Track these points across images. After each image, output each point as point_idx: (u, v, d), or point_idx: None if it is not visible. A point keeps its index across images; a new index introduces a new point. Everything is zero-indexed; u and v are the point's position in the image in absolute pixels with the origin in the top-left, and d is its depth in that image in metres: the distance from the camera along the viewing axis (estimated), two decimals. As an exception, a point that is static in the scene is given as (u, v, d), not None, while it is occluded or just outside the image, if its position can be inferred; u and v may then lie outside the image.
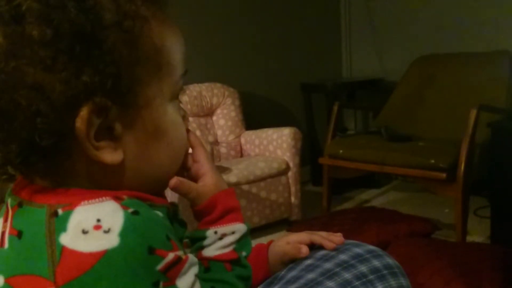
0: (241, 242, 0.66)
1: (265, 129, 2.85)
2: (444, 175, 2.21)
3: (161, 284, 0.49)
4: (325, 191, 2.79)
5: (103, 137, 0.51)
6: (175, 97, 0.58)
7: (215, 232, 0.64)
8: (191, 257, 0.54)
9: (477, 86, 2.75)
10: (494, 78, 2.73)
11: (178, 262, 0.51)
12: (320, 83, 3.53)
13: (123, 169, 0.53)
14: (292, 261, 0.73)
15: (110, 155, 0.51)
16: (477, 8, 3.12)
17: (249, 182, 2.54)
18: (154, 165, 0.56)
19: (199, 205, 0.65)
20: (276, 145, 2.73)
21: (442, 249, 1.94)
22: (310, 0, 3.67)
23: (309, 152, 3.45)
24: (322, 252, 0.72)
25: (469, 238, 2.32)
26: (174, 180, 0.62)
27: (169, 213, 0.57)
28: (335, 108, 2.81)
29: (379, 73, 3.69)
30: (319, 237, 0.74)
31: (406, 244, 2.03)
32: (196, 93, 2.89)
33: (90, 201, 0.49)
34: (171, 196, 0.62)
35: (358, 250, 0.71)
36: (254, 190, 2.56)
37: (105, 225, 0.47)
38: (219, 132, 2.95)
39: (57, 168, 0.51)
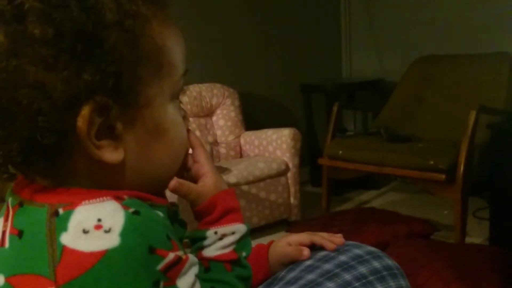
0: (241, 242, 0.66)
1: (265, 130, 2.86)
2: (443, 176, 2.21)
3: (161, 284, 0.49)
4: (324, 192, 2.80)
5: (104, 136, 0.51)
6: (175, 97, 0.58)
7: (215, 233, 0.64)
8: (192, 257, 0.54)
9: (477, 87, 2.76)
10: (494, 79, 2.73)
11: (178, 262, 0.51)
12: (320, 84, 3.54)
13: (124, 169, 0.53)
14: (292, 262, 0.73)
15: (111, 154, 0.51)
16: (477, 9, 3.12)
17: (248, 183, 2.54)
18: (155, 164, 0.56)
19: (199, 205, 0.65)
20: (276, 145, 2.73)
21: (441, 250, 1.94)
22: (310, 1, 3.67)
23: (308, 152, 3.45)
24: (322, 253, 0.72)
25: (468, 240, 2.32)
26: (173, 182, 0.62)
27: (169, 213, 0.57)
28: (335, 108, 2.81)
29: (378, 74, 3.69)
30: (320, 237, 0.74)
31: (405, 245, 2.03)
32: (196, 93, 2.89)
33: (91, 200, 0.49)
34: (170, 196, 0.62)
35: (358, 251, 0.71)
36: (253, 190, 2.56)
37: (106, 224, 0.47)
38: (218, 133, 2.95)
39: (58, 167, 0.51)
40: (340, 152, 2.63)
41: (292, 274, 0.71)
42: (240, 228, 0.66)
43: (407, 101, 3.01)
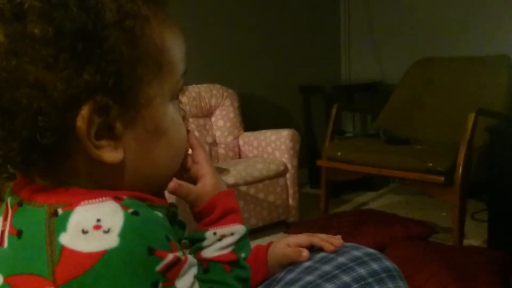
0: (240, 243, 0.66)
1: (264, 131, 2.85)
2: (442, 178, 2.21)
3: (160, 284, 0.48)
4: (323, 193, 2.80)
5: (104, 136, 0.51)
6: (175, 97, 0.58)
7: (214, 233, 0.64)
8: (190, 258, 0.54)
9: (476, 90, 2.76)
10: (492, 82, 2.73)
11: (177, 263, 0.50)
12: (319, 85, 3.54)
13: (123, 169, 0.53)
14: (291, 263, 0.73)
15: (110, 154, 0.51)
16: (476, 12, 3.13)
17: (247, 184, 2.54)
18: (154, 164, 0.56)
19: (198, 206, 0.65)
20: (275, 146, 2.73)
21: (440, 252, 1.94)
22: (309, 3, 3.68)
23: (307, 154, 3.45)
24: (321, 255, 0.72)
25: (466, 242, 2.32)
26: (173, 184, 0.62)
27: (168, 214, 0.56)
28: (334, 110, 2.81)
29: (377, 76, 3.69)
30: (319, 239, 0.74)
31: (403, 247, 2.03)
32: (195, 94, 2.89)
33: (90, 201, 0.49)
34: (169, 197, 0.62)
35: (357, 253, 0.71)
36: (252, 191, 2.56)
37: (105, 225, 0.47)
38: (217, 133, 2.95)
39: (58, 167, 0.51)
40: (339, 153, 2.63)
41: (291, 276, 0.71)
42: (239, 229, 0.65)
43: (406, 104, 3.01)
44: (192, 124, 2.84)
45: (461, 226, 2.24)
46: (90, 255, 0.46)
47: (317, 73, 3.73)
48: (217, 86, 2.98)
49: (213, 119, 2.97)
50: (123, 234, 0.47)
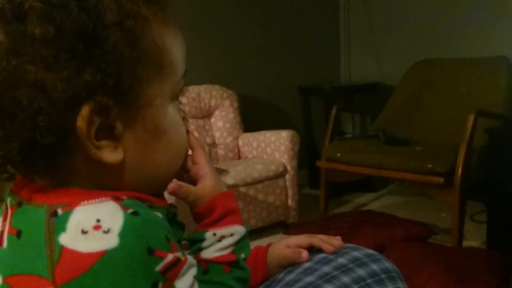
0: (240, 244, 0.66)
1: (263, 132, 2.85)
2: (441, 179, 2.21)
3: (160, 285, 0.48)
4: (322, 194, 2.80)
5: (104, 136, 0.51)
6: (175, 97, 0.58)
7: (214, 234, 0.64)
8: (190, 259, 0.54)
9: (475, 91, 2.76)
10: (492, 84, 2.73)
11: (177, 263, 0.50)
12: (318, 87, 3.54)
13: (123, 169, 0.53)
14: (290, 264, 0.73)
15: (110, 155, 0.51)
16: (475, 14, 3.13)
17: (246, 185, 2.53)
18: (154, 165, 0.56)
19: (198, 207, 0.65)
20: (274, 147, 2.73)
21: (439, 253, 1.94)
22: (309, 4, 3.68)
23: (306, 155, 3.45)
24: (320, 255, 0.72)
25: (466, 243, 2.32)
26: (172, 185, 0.62)
27: (168, 215, 0.56)
28: (333, 111, 2.81)
29: (377, 77, 3.69)
30: (318, 240, 0.74)
31: (402, 248, 2.03)
32: (195, 94, 2.89)
33: (90, 201, 0.49)
34: (168, 198, 0.62)
35: (356, 253, 0.71)
36: (251, 192, 2.56)
37: (104, 225, 0.47)
38: (217, 134, 2.95)
39: (57, 167, 0.51)
40: (338, 154, 2.63)
41: (291, 276, 0.71)
42: (239, 230, 0.65)
43: (405, 105, 3.01)
44: (192, 125, 2.83)
45: (461, 227, 2.24)
46: (89, 255, 0.46)
47: (316, 74, 3.74)
48: (217, 87, 2.98)
49: (212, 120, 2.97)
50: (123, 234, 0.46)
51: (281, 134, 2.72)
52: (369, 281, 0.68)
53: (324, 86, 3.50)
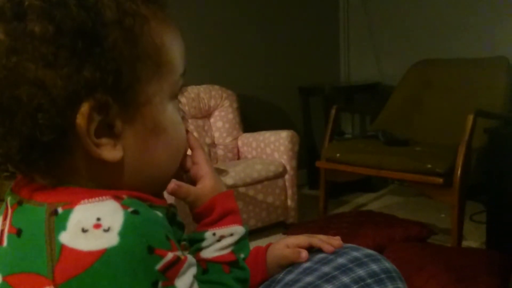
0: (240, 244, 0.66)
1: (263, 132, 2.85)
2: (440, 180, 2.21)
3: (160, 284, 0.48)
4: (321, 195, 2.80)
5: (103, 134, 0.51)
6: (174, 96, 0.58)
7: (214, 234, 0.64)
8: (190, 258, 0.54)
9: (475, 91, 2.76)
10: (491, 84, 2.74)
11: (177, 262, 0.50)
12: (318, 87, 3.54)
13: (123, 167, 0.53)
14: (290, 264, 0.73)
15: (110, 153, 0.51)
16: (475, 14, 3.13)
17: (246, 185, 2.53)
18: (154, 164, 0.56)
19: (198, 207, 0.65)
20: (274, 148, 2.73)
21: (438, 253, 1.94)
22: (309, 4, 3.68)
23: (306, 155, 3.45)
24: (320, 256, 0.72)
25: (465, 243, 2.32)
26: (172, 185, 0.62)
27: (168, 215, 0.56)
28: (333, 111, 2.81)
29: (376, 77, 3.69)
30: (318, 240, 0.74)
31: (402, 248, 2.03)
32: (194, 95, 2.89)
33: (90, 200, 0.49)
34: (167, 198, 0.62)
35: (356, 253, 0.71)
36: (250, 192, 2.56)
37: (105, 224, 0.47)
38: (216, 134, 2.95)
39: (57, 166, 0.51)
40: (338, 155, 2.63)
41: (290, 277, 0.71)
42: (238, 230, 0.65)
43: (405, 105, 3.01)
44: (191, 125, 2.83)
45: (460, 228, 2.24)
46: (90, 253, 0.46)
47: (316, 74, 3.74)
48: (216, 87, 2.98)
49: (212, 120, 2.97)
50: (123, 233, 0.46)
51: (281, 134, 2.72)
52: (369, 281, 0.68)
53: (323, 86, 3.50)
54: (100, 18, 0.48)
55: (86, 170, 0.52)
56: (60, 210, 0.48)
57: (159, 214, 0.52)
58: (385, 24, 3.66)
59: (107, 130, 0.51)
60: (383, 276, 0.69)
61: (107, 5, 0.49)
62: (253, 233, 2.52)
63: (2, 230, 0.52)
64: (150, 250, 0.47)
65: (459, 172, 2.18)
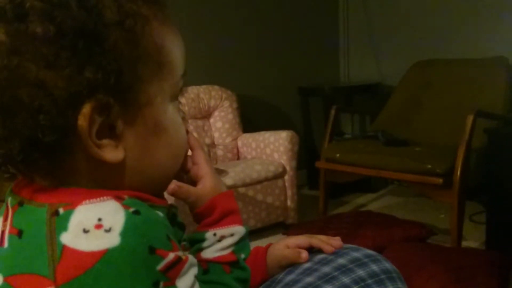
0: (240, 244, 0.66)
1: (262, 132, 2.85)
2: (440, 180, 2.21)
3: (161, 284, 0.48)
4: (321, 195, 2.80)
5: (105, 135, 0.51)
6: (175, 97, 0.58)
7: (214, 234, 0.64)
8: (191, 258, 0.54)
9: (474, 92, 2.76)
10: (491, 84, 2.74)
11: (178, 262, 0.50)
12: (318, 87, 3.54)
13: (124, 168, 0.53)
14: (290, 264, 0.73)
15: (111, 153, 0.51)
16: (474, 14, 3.13)
17: (245, 185, 2.53)
18: (154, 164, 0.56)
19: (198, 207, 0.65)
20: (273, 148, 2.73)
21: (438, 254, 1.94)
22: (308, 4, 3.68)
23: (306, 155, 3.45)
24: (320, 256, 0.72)
25: (465, 243, 2.32)
26: (173, 186, 0.62)
27: (168, 215, 0.56)
28: (333, 112, 2.81)
29: (376, 77, 3.70)
30: (318, 240, 0.74)
31: (401, 248, 2.03)
32: (194, 95, 2.89)
33: (91, 200, 0.49)
34: (167, 198, 0.62)
35: (356, 254, 0.71)
36: (250, 193, 2.56)
37: (106, 224, 0.47)
38: (216, 135, 2.95)
39: (58, 167, 0.51)
40: (338, 155, 2.63)
41: (290, 277, 0.71)
42: (239, 230, 0.66)
43: (405, 105, 3.02)
44: (191, 125, 2.84)
45: (460, 228, 2.24)
46: (91, 254, 0.46)
47: (316, 75, 3.74)
48: (216, 87, 2.98)
49: (211, 120, 2.97)
50: (124, 233, 0.47)
51: (280, 134, 2.72)
52: (369, 281, 0.68)
53: (323, 86, 3.50)
54: (101, 19, 0.48)
55: (87, 171, 0.52)
56: (61, 210, 0.48)
57: (160, 214, 0.53)
58: (385, 24, 3.66)
59: (108, 131, 0.51)
60: (383, 276, 0.69)
61: (108, 6, 0.49)
62: (252, 234, 2.52)
63: (3, 231, 0.52)
64: (151, 250, 0.48)
65: (458, 172, 2.18)
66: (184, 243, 0.65)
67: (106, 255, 0.46)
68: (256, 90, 3.42)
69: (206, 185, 0.66)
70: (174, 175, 0.62)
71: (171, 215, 0.58)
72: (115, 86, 0.49)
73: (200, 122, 2.92)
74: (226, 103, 2.97)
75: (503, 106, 2.64)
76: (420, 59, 3.15)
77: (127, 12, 0.50)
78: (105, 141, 0.51)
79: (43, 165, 0.50)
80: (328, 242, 0.74)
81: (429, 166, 2.26)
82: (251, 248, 0.71)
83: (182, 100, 2.71)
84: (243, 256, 0.66)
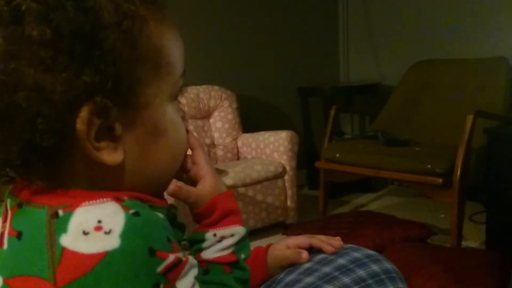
0: (240, 244, 0.66)
1: (262, 132, 2.85)
2: (440, 180, 2.21)
3: (161, 286, 0.48)
4: (321, 195, 2.79)
5: (104, 138, 0.50)
6: (174, 97, 0.58)
7: (214, 235, 0.64)
8: (191, 259, 0.54)
9: (474, 92, 2.76)
10: (491, 84, 2.74)
11: (178, 264, 0.50)
12: (318, 87, 3.54)
13: (123, 170, 0.53)
14: (290, 264, 0.73)
15: (110, 156, 0.51)
16: (474, 14, 3.13)
17: (245, 185, 2.53)
18: (154, 165, 0.56)
19: (198, 208, 0.65)
20: (273, 148, 2.73)
21: (438, 254, 1.94)
22: (308, 5, 3.68)
23: (305, 155, 3.45)
24: (320, 256, 0.72)
25: (465, 244, 2.32)
26: (173, 186, 0.62)
27: (168, 215, 0.56)
28: (332, 112, 2.81)
29: (376, 77, 3.69)
30: (319, 240, 0.74)
31: (401, 248, 2.03)
32: (194, 95, 2.89)
33: (91, 202, 0.48)
34: (167, 199, 0.62)
35: (356, 254, 0.71)
36: (250, 193, 2.56)
37: (106, 226, 0.47)
38: (216, 135, 2.95)
39: (57, 170, 0.51)
40: (337, 155, 2.63)
41: (291, 277, 0.71)
42: (239, 231, 0.65)
43: (405, 105, 3.01)
44: (191, 125, 2.83)
45: (460, 228, 2.24)
46: (91, 256, 0.46)
47: (315, 75, 3.74)
48: (216, 87, 2.98)
49: (211, 120, 2.97)
50: (124, 235, 0.46)
51: (280, 134, 2.71)
52: (370, 281, 0.68)
53: (323, 86, 3.50)
54: (99, 21, 0.47)
55: (86, 173, 0.51)
56: (61, 212, 0.48)
57: (160, 215, 0.52)
58: (384, 24, 3.66)
59: (107, 133, 0.51)
60: (383, 276, 0.69)
61: (105, 7, 0.48)
62: (252, 234, 2.52)
63: (2, 232, 0.52)
64: (152, 252, 0.47)
65: (458, 172, 2.18)
66: (184, 243, 0.65)
67: (106, 257, 0.46)
68: (256, 90, 3.42)
69: (206, 185, 0.65)
70: (174, 175, 0.62)
71: (171, 215, 0.58)
72: (113, 89, 0.48)
73: (200, 122, 2.92)
74: (226, 103, 2.96)
75: (503, 106, 2.64)
76: (420, 59, 3.15)
77: (124, 13, 0.49)
78: (104, 144, 0.50)
79: (42, 168, 0.50)
80: (329, 242, 0.74)
81: (429, 166, 2.26)
82: (251, 248, 0.71)
83: (182, 100, 2.71)
84: (243, 256, 0.66)
